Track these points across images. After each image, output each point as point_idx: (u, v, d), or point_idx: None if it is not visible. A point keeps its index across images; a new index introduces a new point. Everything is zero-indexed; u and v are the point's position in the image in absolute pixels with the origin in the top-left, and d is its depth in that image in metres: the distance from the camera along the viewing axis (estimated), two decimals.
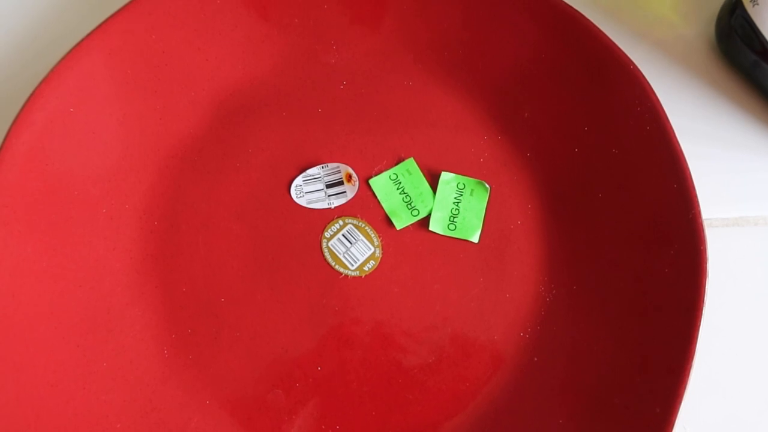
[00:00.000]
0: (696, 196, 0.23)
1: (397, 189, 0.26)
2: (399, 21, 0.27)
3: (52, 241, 0.24)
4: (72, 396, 0.23)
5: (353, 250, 0.25)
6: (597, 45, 0.25)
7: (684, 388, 0.21)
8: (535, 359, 0.24)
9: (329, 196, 0.26)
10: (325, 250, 0.25)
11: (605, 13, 0.30)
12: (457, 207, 0.25)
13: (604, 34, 0.25)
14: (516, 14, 0.26)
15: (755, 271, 0.26)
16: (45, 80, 0.25)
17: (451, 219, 0.25)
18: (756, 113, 0.29)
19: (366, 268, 0.25)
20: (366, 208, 0.26)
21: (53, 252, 0.24)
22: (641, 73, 0.25)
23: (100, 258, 0.25)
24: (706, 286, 0.22)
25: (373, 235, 0.25)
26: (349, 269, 0.25)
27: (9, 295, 0.23)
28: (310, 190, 0.26)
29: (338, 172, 0.26)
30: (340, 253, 0.25)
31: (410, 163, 0.26)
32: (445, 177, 0.26)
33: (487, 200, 0.26)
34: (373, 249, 0.25)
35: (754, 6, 0.27)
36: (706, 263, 0.22)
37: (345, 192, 0.26)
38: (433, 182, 0.26)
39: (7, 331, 0.22)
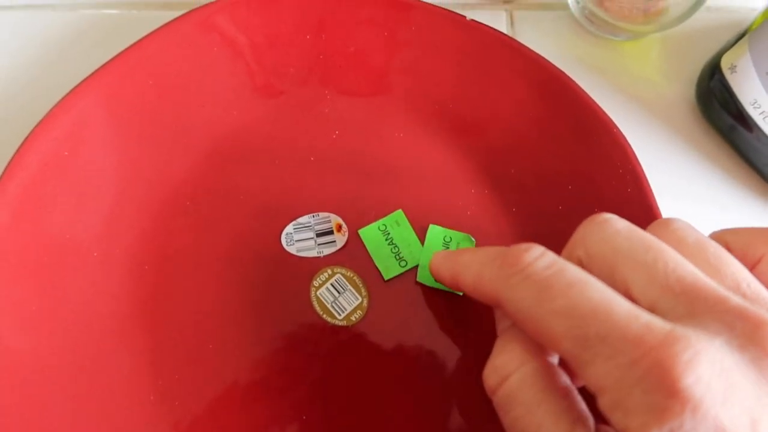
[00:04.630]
0: None
1: (386, 240, 0.26)
2: (393, 77, 0.28)
3: (41, 285, 0.24)
4: None
5: (341, 300, 0.26)
6: (582, 107, 0.26)
7: None
8: None
9: (319, 245, 0.26)
10: (314, 299, 0.25)
11: (590, 70, 0.31)
12: None
13: (590, 97, 0.26)
14: (506, 74, 0.27)
15: None
16: (40, 123, 0.25)
17: None
18: (733, 174, 0.30)
19: (353, 318, 0.25)
20: (355, 258, 0.26)
21: (42, 295, 0.24)
22: (624, 136, 0.26)
23: (89, 302, 0.25)
24: None
25: (360, 285, 0.26)
26: (336, 319, 0.25)
27: None
28: (300, 238, 0.26)
29: (329, 221, 0.27)
30: (328, 303, 0.25)
31: (399, 215, 0.27)
32: (433, 230, 0.27)
33: None
34: (360, 299, 0.26)
35: (732, 73, 0.28)
36: None
37: (335, 241, 0.26)
38: (421, 233, 0.27)
39: None
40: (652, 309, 0.16)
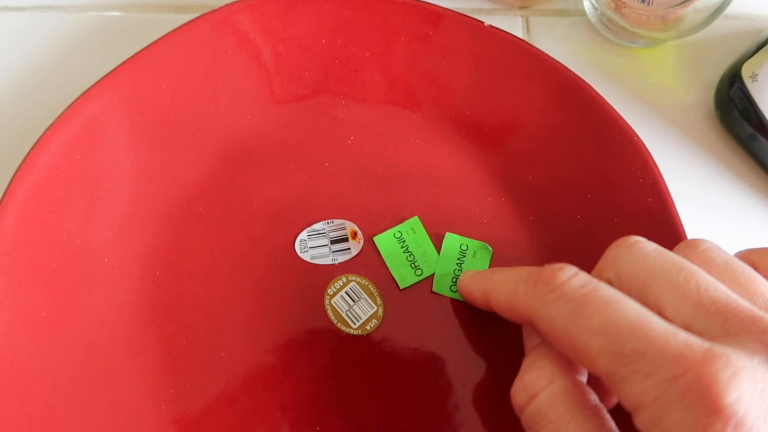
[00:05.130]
0: None
1: (401, 248, 0.26)
2: (409, 82, 0.28)
3: (52, 291, 0.24)
4: None
5: (356, 309, 0.25)
6: (602, 115, 0.26)
7: None
8: None
9: (333, 252, 0.26)
10: (328, 308, 0.25)
11: (606, 77, 0.31)
12: (460, 268, 0.26)
13: (610, 105, 0.26)
14: (524, 80, 0.27)
15: None
16: (52, 126, 0.25)
17: (454, 280, 0.26)
18: (753, 183, 0.29)
19: (368, 327, 0.25)
20: (370, 266, 0.26)
21: (53, 302, 0.24)
22: (644, 145, 0.26)
23: (99, 308, 0.24)
24: None
25: (376, 294, 0.25)
26: (351, 328, 0.25)
27: (6, 346, 0.23)
28: (314, 245, 0.26)
29: (343, 228, 0.26)
30: (342, 311, 0.25)
31: (415, 222, 0.26)
32: (449, 238, 0.26)
33: (489, 262, 0.26)
34: (375, 308, 0.25)
35: (753, 82, 0.27)
36: None
37: (349, 249, 0.26)
38: (437, 241, 0.26)
39: (2, 383, 0.22)
40: (686, 329, 0.16)
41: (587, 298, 0.17)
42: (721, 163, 0.30)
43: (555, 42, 0.32)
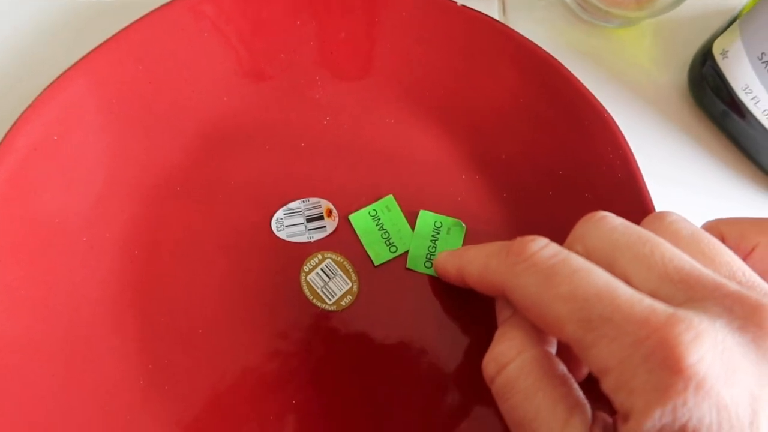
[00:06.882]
0: None
1: (376, 225, 0.26)
2: (384, 63, 0.28)
3: (31, 270, 0.24)
4: (47, 428, 0.23)
5: (331, 285, 0.26)
6: (573, 93, 0.26)
7: None
8: None
9: (309, 230, 0.26)
10: (304, 284, 0.25)
11: (582, 57, 0.31)
12: (434, 245, 0.26)
13: (581, 83, 0.26)
14: (497, 60, 0.27)
15: None
16: (29, 107, 0.25)
17: (428, 257, 0.26)
18: (726, 160, 0.30)
19: (343, 303, 0.25)
20: (345, 244, 0.26)
21: (32, 281, 0.24)
22: (614, 121, 0.26)
23: (79, 287, 0.25)
24: None
25: (351, 271, 0.26)
26: (326, 303, 0.25)
27: None
28: (290, 223, 0.26)
29: (319, 206, 0.26)
30: (318, 288, 0.25)
31: (390, 200, 0.27)
32: (423, 215, 0.27)
33: (463, 239, 0.26)
34: (350, 284, 0.26)
35: (723, 58, 0.28)
36: None
37: (325, 227, 0.26)
38: (412, 219, 0.27)
39: None
40: (652, 296, 0.17)
41: (557, 267, 0.18)
42: (695, 140, 0.30)
43: (532, 23, 0.32)
